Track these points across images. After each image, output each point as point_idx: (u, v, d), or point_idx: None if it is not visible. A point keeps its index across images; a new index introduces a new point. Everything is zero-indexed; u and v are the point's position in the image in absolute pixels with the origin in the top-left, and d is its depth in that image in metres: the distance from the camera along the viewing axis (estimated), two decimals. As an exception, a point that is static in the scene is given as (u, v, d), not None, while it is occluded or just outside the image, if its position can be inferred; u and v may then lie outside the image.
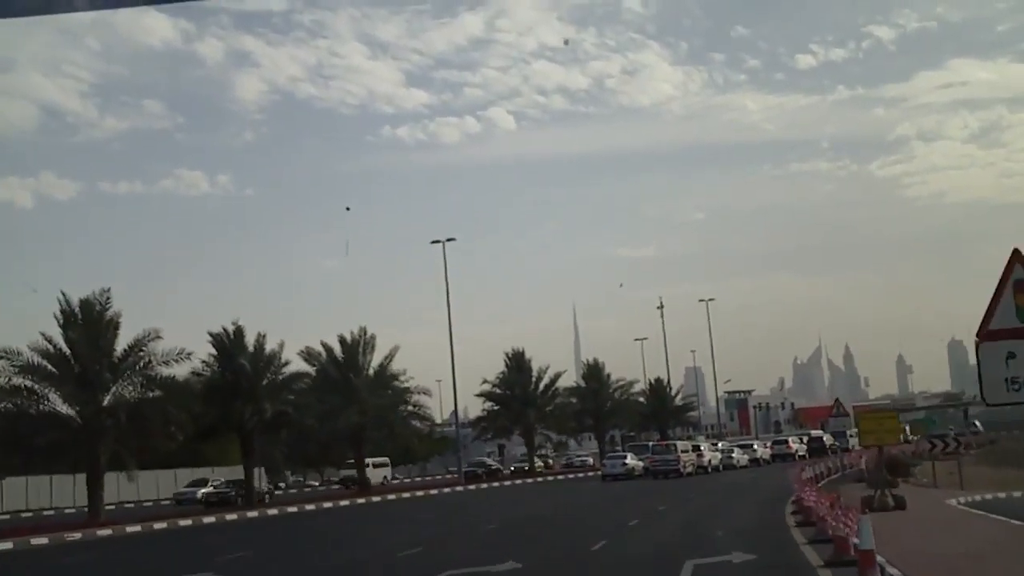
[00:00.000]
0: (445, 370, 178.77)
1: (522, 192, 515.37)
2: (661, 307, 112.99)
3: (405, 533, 31.92)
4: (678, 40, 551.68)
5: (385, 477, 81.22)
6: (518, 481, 76.37)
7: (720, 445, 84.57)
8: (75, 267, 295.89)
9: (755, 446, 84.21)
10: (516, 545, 24.64)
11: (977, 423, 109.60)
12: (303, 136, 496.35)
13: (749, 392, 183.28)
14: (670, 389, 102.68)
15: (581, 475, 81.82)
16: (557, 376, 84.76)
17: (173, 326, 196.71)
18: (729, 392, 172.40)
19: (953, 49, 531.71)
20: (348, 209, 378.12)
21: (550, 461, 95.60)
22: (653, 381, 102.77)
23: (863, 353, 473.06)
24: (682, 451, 69.13)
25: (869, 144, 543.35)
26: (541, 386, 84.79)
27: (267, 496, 63.68)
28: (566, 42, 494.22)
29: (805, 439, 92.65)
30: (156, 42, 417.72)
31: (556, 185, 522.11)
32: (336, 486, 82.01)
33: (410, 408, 71.57)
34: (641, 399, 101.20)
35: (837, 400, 56.34)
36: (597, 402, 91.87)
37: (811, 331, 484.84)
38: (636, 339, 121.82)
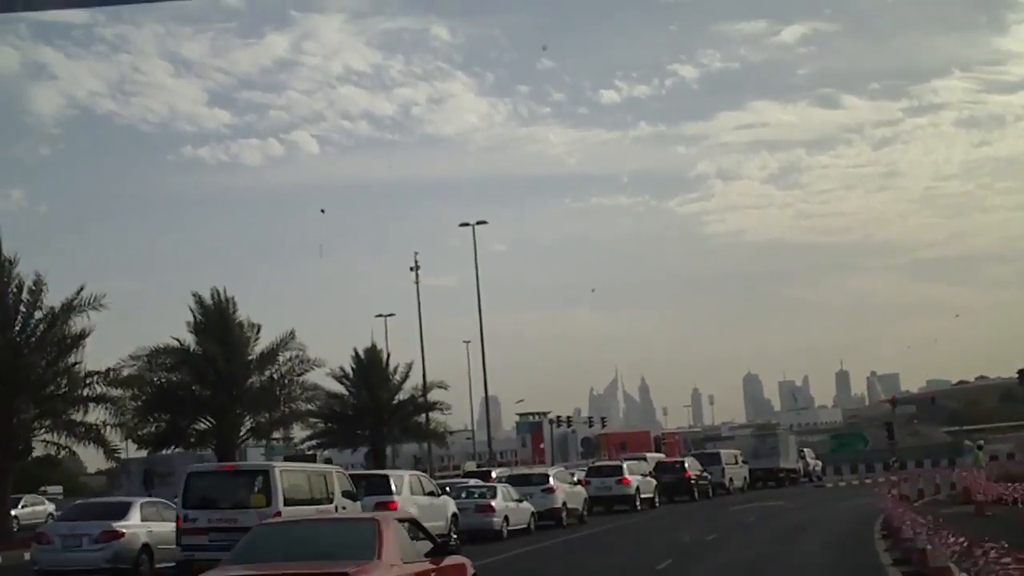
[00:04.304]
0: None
1: (323, 217, 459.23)
2: (416, 268, 61.08)
3: None
4: (484, 71, 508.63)
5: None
6: None
7: (495, 475, 34.55)
8: None
9: (551, 480, 32.99)
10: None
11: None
12: (101, 152, 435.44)
13: (545, 414, 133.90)
14: (391, 368, 50.43)
15: None
16: (70, 303, 31.60)
17: None
18: (521, 415, 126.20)
19: (754, 91, 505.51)
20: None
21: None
22: (361, 352, 50.45)
23: (659, 385, 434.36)
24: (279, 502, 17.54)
25: (669, 181, 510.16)
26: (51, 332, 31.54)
27: None
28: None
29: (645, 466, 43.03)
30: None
31: (358, 211, 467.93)
32: None
33: None
34: (344, 385, 49.32)
35: None
36: (218, 380, 39.12)
37: (608, 363, 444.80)
38: (378, 315, 69.35)
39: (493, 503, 27.70)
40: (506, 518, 27.94)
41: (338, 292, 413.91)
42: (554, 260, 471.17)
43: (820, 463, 60.34)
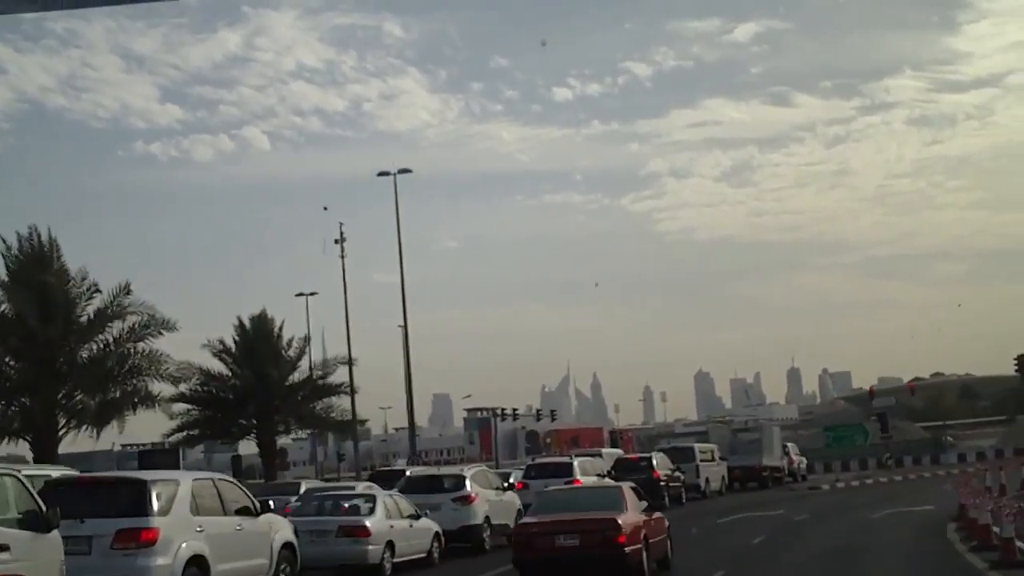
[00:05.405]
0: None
1: (274, 213, 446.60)
2: (341, 240, 51.93)
3: None
4: (437, 68, 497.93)
5: None
6: None
7: (409, 474, 24.10)
8: None
9: (467, 484, 22.62)
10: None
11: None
12: (51, 148, 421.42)
13: (493, 410, 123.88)
14: (284, 342, 40.06)
15: None
16: None
17: None
18: (469, 410, 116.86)
19: (707, 89, 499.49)
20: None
21: None
22: (246, 320, 39.87)
23: (611, 382, 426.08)
24: None
25: (622, 178, 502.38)
26: None
27: None
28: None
29: (600, 464, 32.96)
30: None
31: (309, 208, 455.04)
32: None
33: None
34: (225, 362, 38.81)
35: None
36: (30, 348, 28.52)
37: (560, 360, 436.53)
38: (298, 294, 60.39)
39: (368, 523, 17.40)
40: (390, 544, 17.70)
41: (284, 286, 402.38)
42: (506, 257, 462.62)
43: (805, 460, 50.85)
